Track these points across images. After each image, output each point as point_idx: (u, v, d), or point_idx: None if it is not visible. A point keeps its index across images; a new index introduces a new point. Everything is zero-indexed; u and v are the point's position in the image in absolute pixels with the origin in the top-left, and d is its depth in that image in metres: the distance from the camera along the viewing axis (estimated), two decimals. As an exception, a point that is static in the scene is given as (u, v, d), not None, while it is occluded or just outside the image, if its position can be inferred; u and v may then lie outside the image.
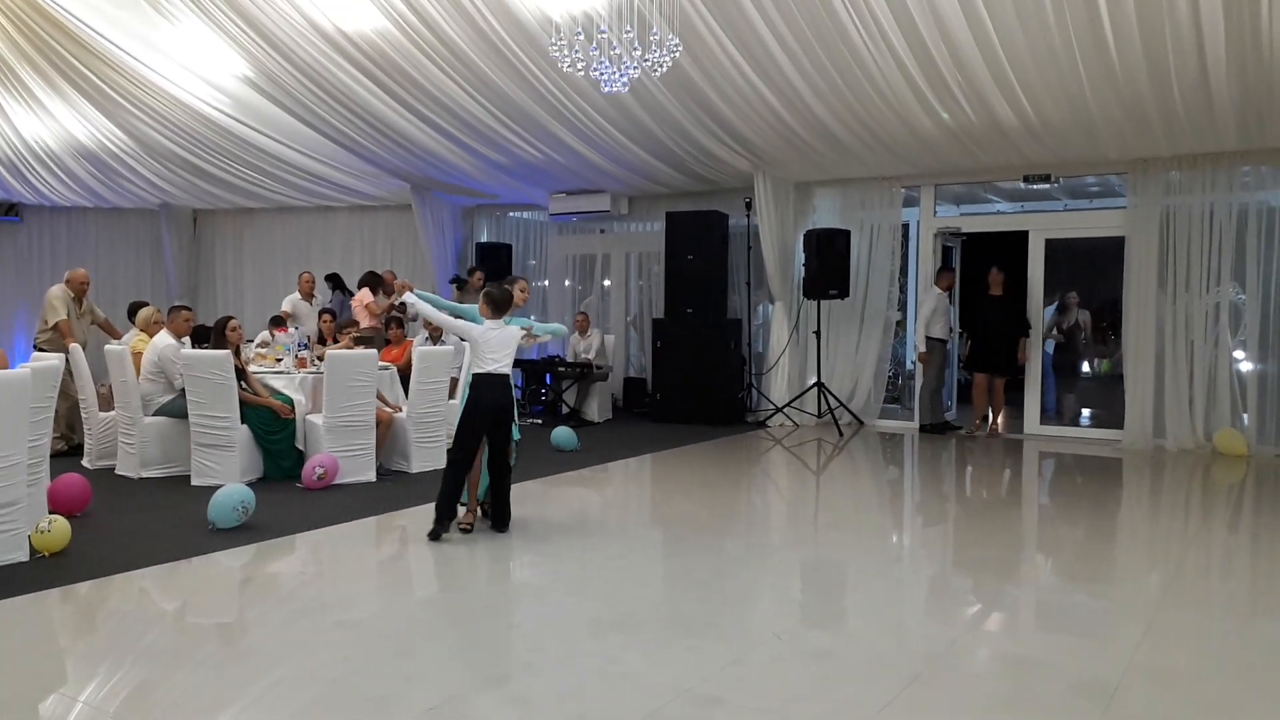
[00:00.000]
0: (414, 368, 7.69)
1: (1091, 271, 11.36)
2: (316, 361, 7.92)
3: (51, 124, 11.49)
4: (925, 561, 5.60)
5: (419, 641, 4.06)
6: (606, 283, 12.97)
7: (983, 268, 10.47)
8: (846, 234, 10.51)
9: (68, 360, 7.31)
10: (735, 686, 3.50)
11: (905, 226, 11.18)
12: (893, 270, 10.85)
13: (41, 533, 5.00)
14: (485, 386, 5.53)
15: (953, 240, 11.23)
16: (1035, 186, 10.22)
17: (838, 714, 3.26)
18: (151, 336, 7.90)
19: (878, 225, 10.84)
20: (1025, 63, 7.51)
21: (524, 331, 5.76)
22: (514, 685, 3.49)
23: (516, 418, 5.86)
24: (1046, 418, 10.42)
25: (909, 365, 11.94)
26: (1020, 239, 10.35)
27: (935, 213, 10.89)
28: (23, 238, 14.28)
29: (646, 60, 6.67)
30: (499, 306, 5.66)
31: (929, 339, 10.35)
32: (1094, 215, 10.80)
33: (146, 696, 3.42)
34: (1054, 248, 10.32)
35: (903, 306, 11.55)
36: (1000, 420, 10.42)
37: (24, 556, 4.92)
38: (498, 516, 5.75)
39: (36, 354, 7.46)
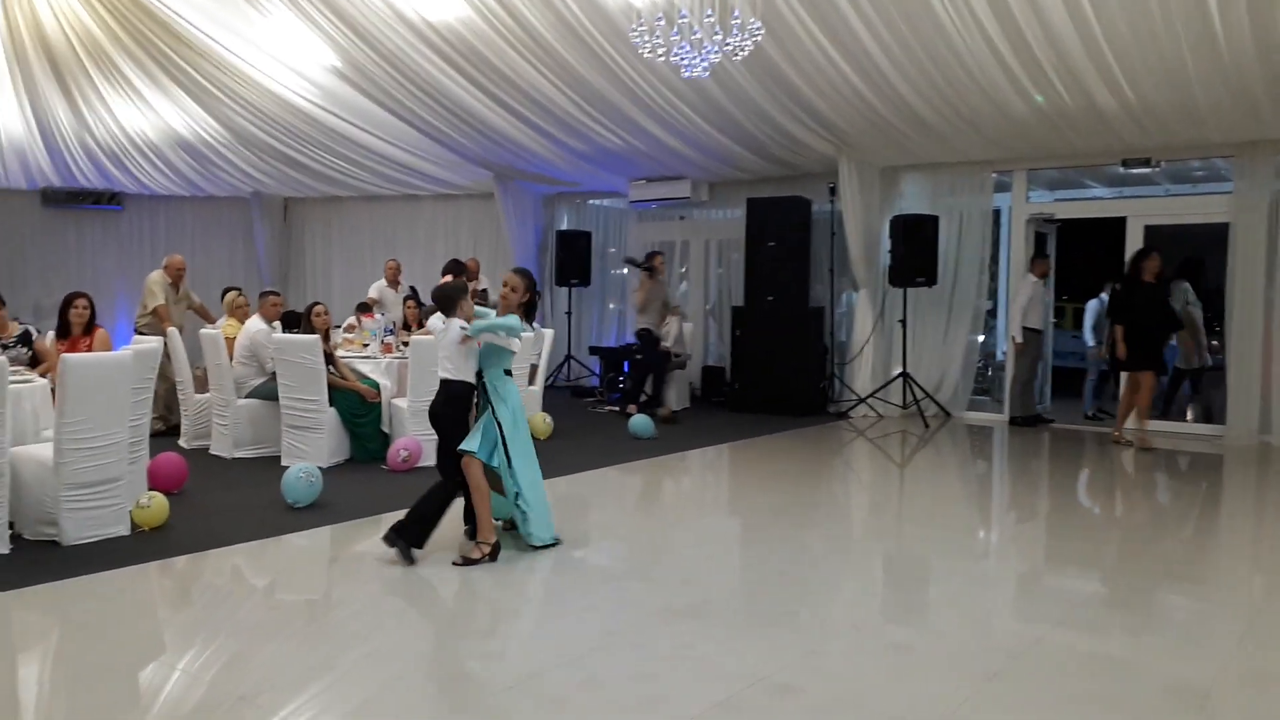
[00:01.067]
0: (495, 353, 7.77)
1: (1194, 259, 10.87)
2: (402, 347, 8.08)
3: (151, 116, 11.94)
4: (1012, 557, 5.46)
5: (498, 621, 4.11)
6: (683, 269, 12.92)
7: (1078, 255, 10.04)
8: (934, 220, 10.26)
9: (165, 343, 7.59)
10: (811, 676, 3.46)
11: (996, 212, 10.88)
12: (983, 258, 10.55)
13: (142, 508, 5.21)
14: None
15: (1047, 227, 10.88)
16: (1135, 171, 9.81)
17: (916, 707, 3.19)
18: (235, 320, 8.15)
19: (967, 211, 10.54)
20: (1124, 42, 7.21)
21: (462, 333, 4.99)
22: (589, 666, 3.50)
23: (495, 433, 4.93)
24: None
25: (999, 355, 11.64)
26: (1118, 225, 9.96)
27: (1028, 198, 10.55)
28: (124, 225, 14.86)
29: (728, 44, 6.60)
30: (438, 304, 5.10)
31: (1025, 329, 10.04)
32: (1197, 201, 10.34)
33: (240, 667, 3.54)
34: (1154, 235, 9.91)
35: (993, 295, 11.23)
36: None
37: (125, 531, 5.14)
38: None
39: (137, 337, 7.77)
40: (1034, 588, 4.82)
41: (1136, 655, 3.78)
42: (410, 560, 4.71)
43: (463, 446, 4.85)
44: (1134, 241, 9.81)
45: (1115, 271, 10.04)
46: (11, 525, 4.85)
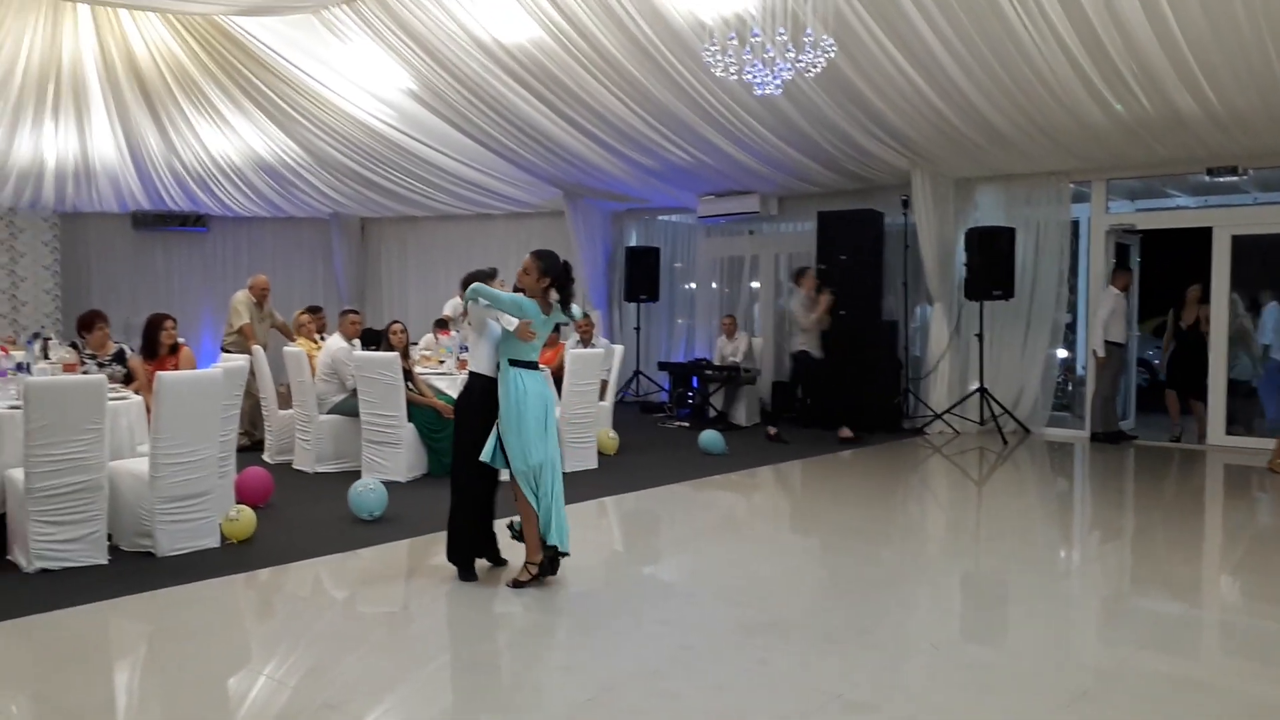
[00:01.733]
0: (566, 370, 7.86)
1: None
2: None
3: (235, 140, 12.36)
4: (1095, 577, 5.32)
5: (573, 635, 4.15)
6: (755, 284, 12.88)
7: (1164, 267, 9.70)
8: (1011, 232, 10.07)
9: (251, 361, 7.82)
10: (887, 694, 3.43)
11: (1075, 223, 10.63)
12: (1061, 270, 10.32)
13: (231, 521, 5.38)
14: None
15: (1128, 238, 10.60)
16: (1220, 180, 9.50)
17: (1000, 730, 3.14)
18: (304, 338, 8.37)
19: (1044, 222, 10.32)
20: (1207, 48, 7.00)
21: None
22: (666, 680, 3.52)
23: (495, 441, 4.77)
24: (1233, 428, 9.67)
25: (1079, 370, 11.35)
26: (1205, 236, 9.66)
27: (1107, 209, 10.30)
28: (209, 246, 15.39)
29: (800, 61, 6.60)
30: (464, 289, 4.88)
31: (1107, 343, 9.78)
32: (1288, 209, 9.96)
33: (324, 675, 3.64)
34: (1241, 246, 9.56)
35: (1072, 308, 10.96)
36: None
37: (215, 543, 5.31)
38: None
39: (224, 355, 8.03)
40: (1117, 608, 4.69)
41: (1225, 679, 3.66)
42: (474, 578, 4.79)
43: (482, 457, 4.75)
44: (1221, 253, 9.50)
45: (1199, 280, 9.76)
46: (110, 537, 5.06)
